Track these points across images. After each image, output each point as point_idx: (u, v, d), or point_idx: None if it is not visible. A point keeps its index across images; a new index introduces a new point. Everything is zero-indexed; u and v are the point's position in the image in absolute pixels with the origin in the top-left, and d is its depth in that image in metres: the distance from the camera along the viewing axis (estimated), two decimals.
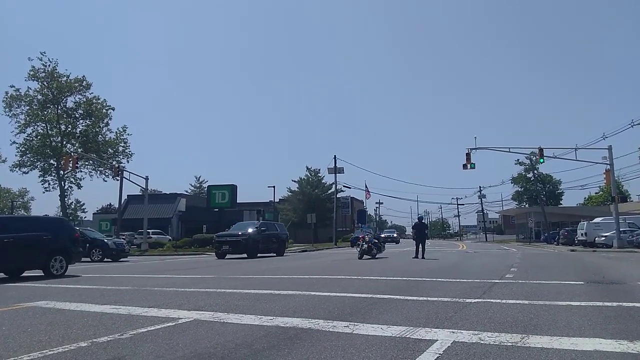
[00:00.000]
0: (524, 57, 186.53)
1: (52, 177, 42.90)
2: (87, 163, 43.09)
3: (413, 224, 24.29)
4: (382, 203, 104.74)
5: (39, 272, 13.75)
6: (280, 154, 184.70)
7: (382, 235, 50.29)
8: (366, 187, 65.09)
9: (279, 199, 66.00)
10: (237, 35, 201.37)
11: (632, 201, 65.81)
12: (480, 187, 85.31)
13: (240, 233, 24.36)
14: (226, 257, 23.77)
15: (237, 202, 41.12)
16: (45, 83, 42.31)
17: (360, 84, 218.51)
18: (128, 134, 45.22)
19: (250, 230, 24.96)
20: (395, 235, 60.22)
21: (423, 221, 23.97)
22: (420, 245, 21.24)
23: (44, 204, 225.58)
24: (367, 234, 23.72)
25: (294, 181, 67.72)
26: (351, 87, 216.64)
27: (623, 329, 5.16)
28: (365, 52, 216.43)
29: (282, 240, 28.11)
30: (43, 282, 11.79)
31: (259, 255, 24.53)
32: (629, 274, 12.59)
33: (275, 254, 25.99)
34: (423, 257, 20.35)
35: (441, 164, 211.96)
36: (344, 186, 60.27)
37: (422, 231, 22.51)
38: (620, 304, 6.93)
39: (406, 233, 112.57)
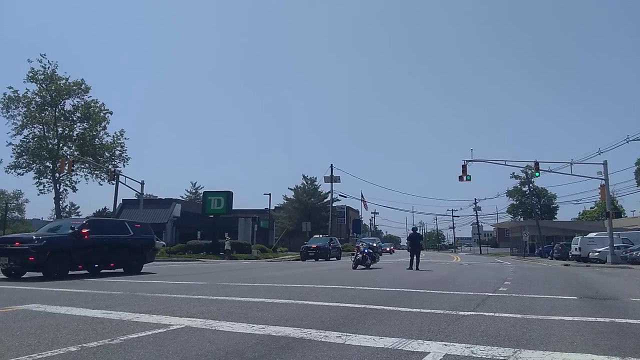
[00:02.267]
0: (522, 71, 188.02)
1: (48, 180, 42.75)
2: (83, 166, 42.99)
3: (408, 234, 24.20)
4: (377, 213, 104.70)
5: (33, 275, 13.61)
6: (277, 162, 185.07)
7: (358, 245, 47.53)
8: (363, 197, 65.10)
9: (275, 207, 65.95)
10: (234, 42, 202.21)
11: (626, 217, 66.08)
12: (475, 199, 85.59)
13: (34, 238, 14.26)
14: (24, 274, 14.23)
15: (233, 209, 41.02)
16: (43, 85, 42.26)
17: (358, 94, 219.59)
18: (125, 138, 45.22)
19: (58, 233, 15.28)
20: (375, 245, 50.71)
21: (417, 232, 23.91)
22: (415, 256, 21.21)
23: (39, 206, 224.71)
24: (362, 244, 23.65)
25: (290, 189, 67.71)
26: (348, 97, 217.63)
27: (615, 345, 5.15)
28: (364, 62, 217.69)
29: (137, 250, 17.11)
30: (35, 285, 11.69)
31: (103, 272, 16.12)
32: (622, 289, 12.60)
33: (122, 270, 16.63)
34: (417, 269, 20.32)
35: (437, 175, 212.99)
36: (339, 195, 60.31)
37: (417, 242, 22.45)
38: (613, 320, 6.93)
39: (401, 244, 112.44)
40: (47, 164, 42.60)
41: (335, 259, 34.84)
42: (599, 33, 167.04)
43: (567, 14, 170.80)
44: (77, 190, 44.56)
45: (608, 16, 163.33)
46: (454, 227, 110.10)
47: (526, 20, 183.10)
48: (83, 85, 43.57)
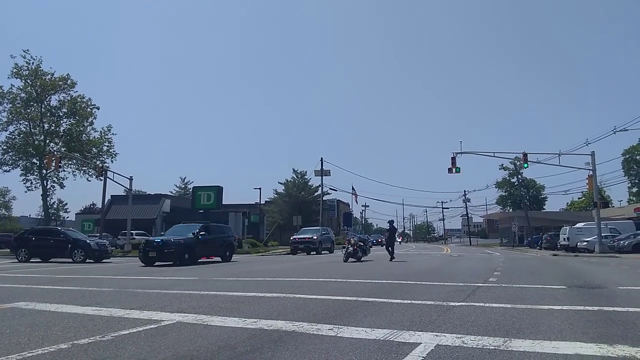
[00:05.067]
0: (511, 63, 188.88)
1: (35, 176, 42.23)
2: (70, 162, 42.45)
3: (387, 228, 24.58)
4: (368, 206, 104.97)
5: (21, 273, 13.49)
6: (267, 156, 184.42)
7: (297, 237, 33.95)
8: (353, 189, 65.09)
9: (265, 201, 65.92)
10: (228, 36, 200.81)
11: (613, 207, 66.92)
12: (465, 191, 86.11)
13: None
14: None
15: (223, 203, 40.86)
16: (28, 81, 41.66)
17: (348, 87, 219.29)
18: (113, 134, 44.71)
19: None
20: (315, 237, 33.31)
21: (393, 225, 24.46)
22: (390, 248, 22.20)
23: (26, 203, 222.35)
24: (354, 237, 23.66)
25: (280, 183, 67.69)
26: (339, 90, 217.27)
27: (603, 333, 5.22)
28: (354, 56, 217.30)
29: None
30: (24, 283, 11.59)
31: None
32: (609, 278, 12.77)
33: None
34: (392, 258, 21.18)
35: (427, 167, 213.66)
36: (330, 189, 60.26)
37: (392, 234, 23.51)
38: (601, 308, 7.02)
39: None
40: (34, 160, 42.06)
41: (202, 258, 21.73)
42: (587, 25, 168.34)
43: (556, 6, 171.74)
44: (64, 186, 44.06)
45: (597, 8, 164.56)
46: (443, 219, 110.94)
47: (515, 13, 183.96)
48: (69, 80, 42.96)
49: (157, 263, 19.44)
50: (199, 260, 21.15)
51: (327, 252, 34.52)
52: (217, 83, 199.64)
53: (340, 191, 65.16)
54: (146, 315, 6.43)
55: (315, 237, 33.34)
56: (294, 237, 35.24)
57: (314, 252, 32.04)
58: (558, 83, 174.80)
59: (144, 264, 19.52)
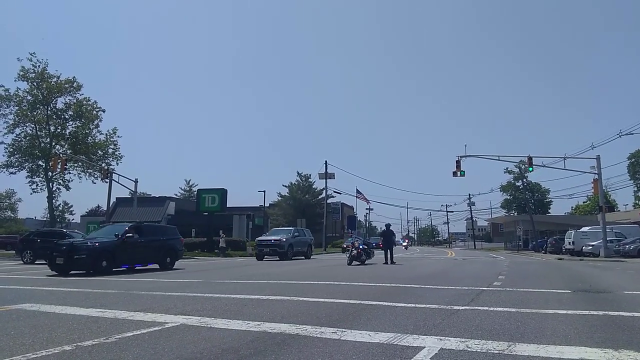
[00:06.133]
0: (516, 65, 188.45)
1: (40, 179, 42.44)
2: (76, 165, 42.66)
3: (382, 231, 24.28)
4: (372, 209, 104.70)
5: (26, 275, 13.53)
6: (272, 159, 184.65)
7: (263, 239, 29.05)
8: (361, 193, 64.79)
9: (269, 204, 65.98)
10: (227, 39, 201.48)
11: (619, 211, 66.66)
12: (469, 194, 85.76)
13: None
14: None
15: (227, 206, 40.93)
16: (35, 84, 41.92)
17: (351, 90, 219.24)
18: (118, 136, 44.91)
19: None
20: (283, 239, 28.33)
21: (390, 229, 24.29)
22: (388, 252, 21.91)
23: (32, 205, 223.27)
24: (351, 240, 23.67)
25: (285, 186, 67.86)
26: (342, 93, 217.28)
27: (608, 337, 5.19)
28: (357, 59, 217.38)
29: None
30: (29, 284, 11.64)
31: None
32: (615, 283, 12.70)
33: None
34: (392, 262, 20.92)
35: (431, 171, 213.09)
36: (334, 192, 60.24)
37: (389, 238, 23.18)
38: (606, 312, 6.98)
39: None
40: (40, 162, 42.29)
41: (133, 265, 17.54)
42: (590, 28, 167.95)
43: (559, 9, 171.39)
44: (70, 189, 44.28)
45: (600, 11, 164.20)
46: (448, 223, 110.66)
47: (517, 17, 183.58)
48: (75, 83, 43.21)
49: (71, 272, 15.44)
50: (138, 268, 17.43)
51: (303, 257, 29.78)
52: (221, 87, 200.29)
53: (345, 194, 64.99)
54: (150, 317, 6.44)
55: (284, 239, 28.12)
56: (260, 238, 30.34)
57: (284, 257, 27.31)
58: (563, 87, 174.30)
59: (56, 273, 15.41)
